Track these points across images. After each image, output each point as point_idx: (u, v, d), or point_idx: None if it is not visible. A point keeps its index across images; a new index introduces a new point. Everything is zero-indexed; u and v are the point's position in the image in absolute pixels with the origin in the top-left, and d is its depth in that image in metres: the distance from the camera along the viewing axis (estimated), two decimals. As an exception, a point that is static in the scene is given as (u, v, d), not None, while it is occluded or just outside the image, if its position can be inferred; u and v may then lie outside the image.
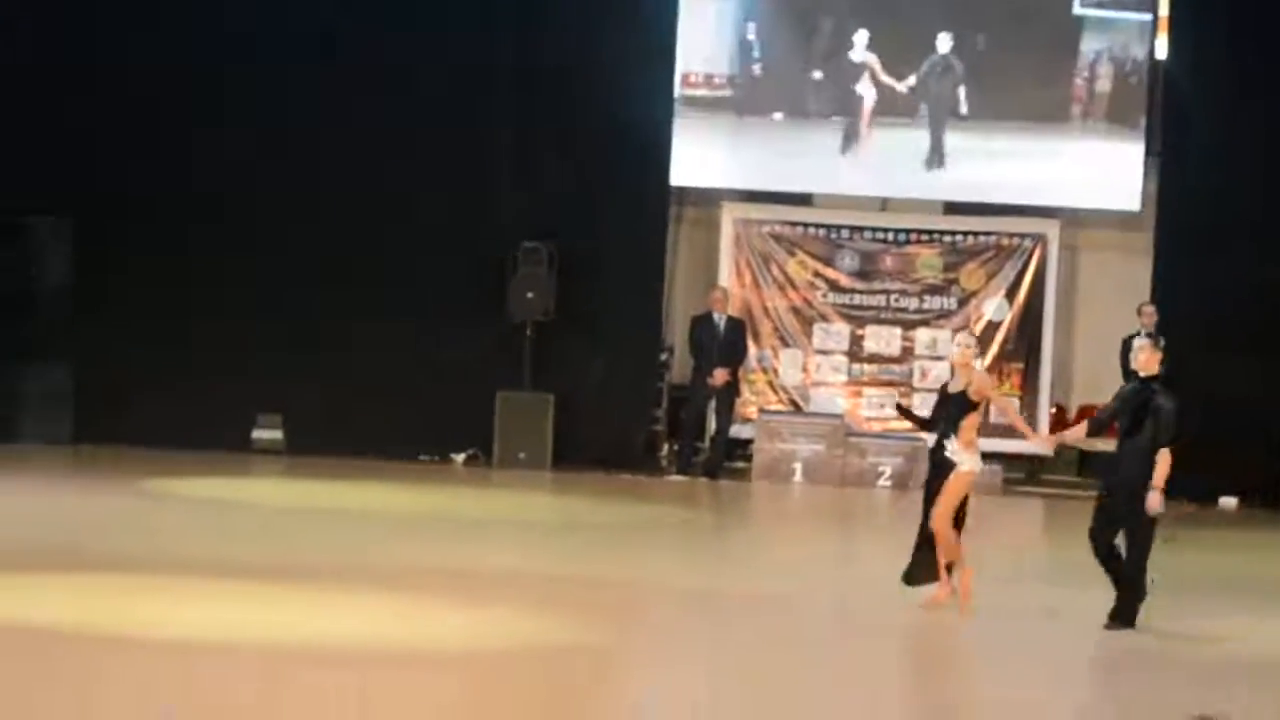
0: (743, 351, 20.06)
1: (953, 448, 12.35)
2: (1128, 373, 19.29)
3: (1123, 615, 12.03)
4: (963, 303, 20.54)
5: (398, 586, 12.48)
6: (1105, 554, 12.07)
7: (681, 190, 20.63)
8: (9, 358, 19.40)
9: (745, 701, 10.19)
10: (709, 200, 20.78)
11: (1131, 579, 12.02)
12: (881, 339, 20.59)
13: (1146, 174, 20.18)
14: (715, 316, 19.97)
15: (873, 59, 20.35)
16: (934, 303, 20.58)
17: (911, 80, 20.35)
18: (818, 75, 20.46)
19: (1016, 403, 20.36)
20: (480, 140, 19.75)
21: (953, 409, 12.45)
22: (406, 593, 12.30)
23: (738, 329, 20.00)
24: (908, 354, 20.57)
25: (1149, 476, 11.87)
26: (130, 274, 19.58)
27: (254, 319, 19.50)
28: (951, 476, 12.30)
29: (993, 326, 20.47)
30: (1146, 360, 12.19)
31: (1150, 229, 20.14)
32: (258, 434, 19.72)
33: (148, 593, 11.88)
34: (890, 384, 20.51)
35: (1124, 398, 12.29)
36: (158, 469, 17.85)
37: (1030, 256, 20.44)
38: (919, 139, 20.35)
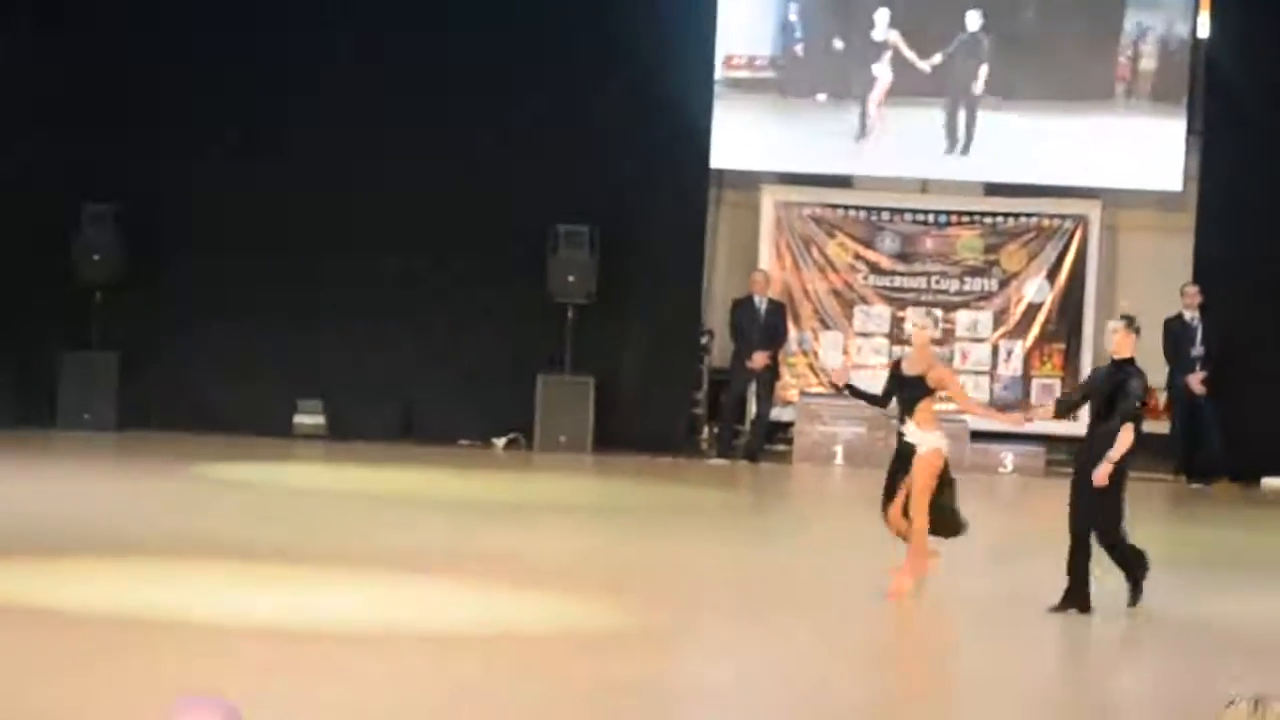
0: (783, 334, 20.02)
1: (910, 430, 12.16)
2: (1170, 354, 19.35)
3: (1133, 593, 11.88)
4: (1003, 284, 20.47)
5: (440, 571, 12.52)
6: (1080, 536, 11.78)
7: (721, 173, 20.61)
8: (55, 344, 19.50)
9: (787, 681, 10.20)
10: (749, 183, 20.74)
11: (1122, 557, 11.81)
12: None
13: (1188, 153, 20.06)
14: (755, 299, 19.94)
15: (895, 36, 20.23)
16: (975, 284, 20.51)
17: (937, 58, 20.24)
18: (839, 44, 20.34)
19: (1059, 383, 20.30)
20: (519, 123, 19.73)
21: (908, 392, 12.19)
22: (449, 577, 12.34)
23: (778, 312, 19.97)
24: (949, 336, 20.49)
25: (1124, 456, 11.67)
26: (174, 262, 19.65)
27: (295, 306, 19.56)
28: (915, 461, 12.06)
29: (1034, 308, 20.39)
30: (1120, 343, 11.91)
31: (1192, 208, 20.04)
32: (299, 419, 19.78)
33: (194, 577, 11.94)
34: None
35: (1097, 380, 12.09)
36: (201, 454, 17.92)
37: (1071, 237, 20.35)
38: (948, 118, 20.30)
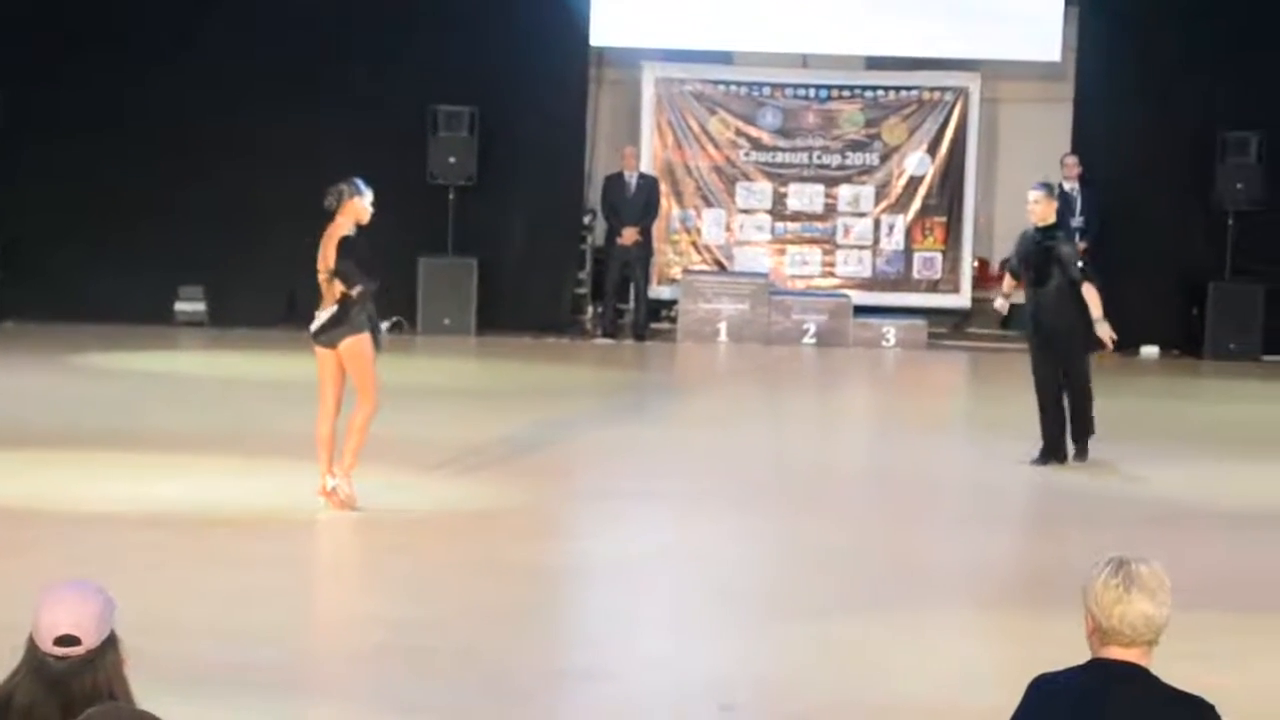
0: (654, 210, 19.98)
1: None
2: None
3: (1053, 452, 12.57)
4: (885, 158, 20.52)
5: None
6: (1054, 394, 12.47)
7: (601, 51, 20.49)
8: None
9: (679, 560, 10.27)
10: (629, 61, 20.64)
11: (1079, 413, 12.51)
12: (805, 196, 20.58)
13: (1066, 23, 20.12)
14: (626, 176, 19.89)
15: None
16: (856, 159, 20.55)
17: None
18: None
19: (940, 257, 20.44)
20: (396, 2, 19.52)
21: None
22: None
23: (650, 188, 19.92)
24: (831, 211, 20.57)
25: (1078, 315, 12.17)
26: (51, 144, 19.32)
27: (174, 190, 19.32)
28: None
29: (915, 181, 20.48)
30: (1044, 211, 12.35)
31: (1071, 79, 20.13)
32: (180, 307, 19.61)
33: (76, 467, 11.85)
34: (814, 241, 20.54)
35: (1026, 247, 12.52)
36: (80, 344, 17.74)
37: (952, 110, 20.41)
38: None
